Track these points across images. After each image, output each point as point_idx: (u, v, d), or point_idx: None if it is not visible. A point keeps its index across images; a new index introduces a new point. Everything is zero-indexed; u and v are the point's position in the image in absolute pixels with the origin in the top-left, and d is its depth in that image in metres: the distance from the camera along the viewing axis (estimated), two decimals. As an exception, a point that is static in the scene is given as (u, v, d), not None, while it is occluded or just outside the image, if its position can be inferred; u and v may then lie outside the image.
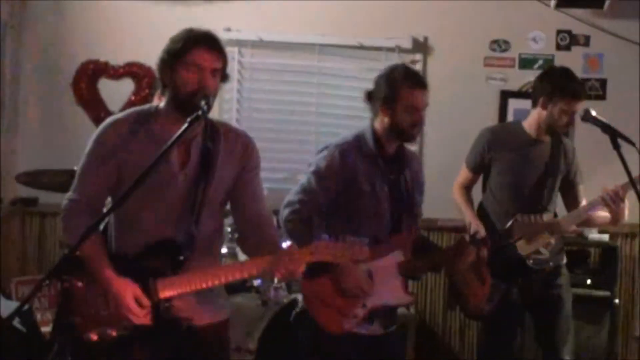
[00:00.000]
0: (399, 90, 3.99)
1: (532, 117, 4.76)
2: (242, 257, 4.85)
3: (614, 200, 4.48)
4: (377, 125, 4.09)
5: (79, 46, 6.57)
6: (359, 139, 4.09)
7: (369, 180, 4.01)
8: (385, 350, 4.11)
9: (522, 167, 4.71)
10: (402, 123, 4.00)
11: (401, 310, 5.71)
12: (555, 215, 4.86)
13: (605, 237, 5.96)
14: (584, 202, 4.80)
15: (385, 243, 4.03)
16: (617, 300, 5.82)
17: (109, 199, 3.40)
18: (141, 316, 3.17)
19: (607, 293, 5.79)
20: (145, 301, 3.17)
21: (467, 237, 4.14)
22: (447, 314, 6.39)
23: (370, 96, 4.14)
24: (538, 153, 4.76)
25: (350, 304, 3.95)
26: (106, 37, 6.55)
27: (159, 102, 3.41)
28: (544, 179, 4.73)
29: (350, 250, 3.15)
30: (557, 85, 4.61)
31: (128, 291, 3.16)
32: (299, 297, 4.07)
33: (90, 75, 6.57)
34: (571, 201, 4.87)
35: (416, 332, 5.75)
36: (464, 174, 4.97)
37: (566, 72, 4.70)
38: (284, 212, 3.97)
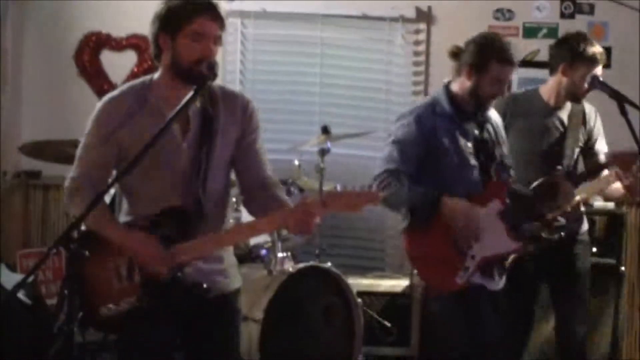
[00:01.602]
0: (490, 62, 4.02)
1: (550, 85, 4.67)
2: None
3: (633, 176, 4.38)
4: (456, 85, 4.14)
5: (81, 18, 6.55)
6: (432, 103, 4.16)
7: (449, 137, 4.07)
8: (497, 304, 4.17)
9: (538, 134, 4.63)
10: (484, 93, 4.07)
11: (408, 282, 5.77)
12: None
13: (611, 205, 5.93)
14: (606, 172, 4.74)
15: (479, 194, 4.08)
16: (623, 268, 5.80)
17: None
18: (162, 261, 3.13)
19: (612, 261, 5.77)
20: (162, 252, 3.14)
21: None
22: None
23: (455, 55, 4.16)
24: (556, 120, 4.68)
25: (461, 257, 3.98)
26: (108, 8, 6.52)
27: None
28: (560, 146, 4.64)
29: (364, 196, 3.04)
30: (577, 51, 4.53)
31: (145, 240, 3.16)
32: None
33: (92, 47, 6.56)
34: (593, 168, 4.80)
35: (422, 302, 5.76)
36: None
37: (584, 38, 4.62)
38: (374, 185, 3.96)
